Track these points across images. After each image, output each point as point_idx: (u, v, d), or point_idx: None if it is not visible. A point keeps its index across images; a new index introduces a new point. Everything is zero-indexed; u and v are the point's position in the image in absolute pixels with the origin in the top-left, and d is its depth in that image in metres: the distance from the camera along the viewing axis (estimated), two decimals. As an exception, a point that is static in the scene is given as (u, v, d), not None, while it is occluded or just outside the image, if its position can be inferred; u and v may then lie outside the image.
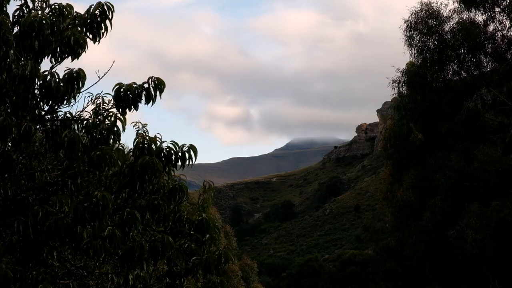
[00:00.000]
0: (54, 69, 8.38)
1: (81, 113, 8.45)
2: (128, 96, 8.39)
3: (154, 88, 8.53)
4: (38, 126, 8.43)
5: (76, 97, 8.31)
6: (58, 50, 8.42)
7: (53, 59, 8.50)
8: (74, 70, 8.09)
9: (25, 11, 8.60)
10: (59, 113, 8.53)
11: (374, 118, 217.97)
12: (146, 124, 8.90)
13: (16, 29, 8.32)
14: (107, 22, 8.64)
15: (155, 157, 8.47)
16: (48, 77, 7.97)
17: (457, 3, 37.10)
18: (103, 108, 8.48)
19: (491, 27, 37.02)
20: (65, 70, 8.11)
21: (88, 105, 8.53)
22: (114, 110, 8.45)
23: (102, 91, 8.51)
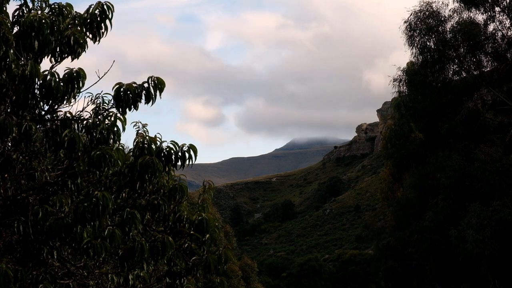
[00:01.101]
0: (54, 69, 8.37)
1: (81, 113, 8.44)
2: (128, 96, 8.38)
3: (154, 87, 8.52)
4: (38, 126, 8.42)
5: (76, 97, 8.30)
6: (58, 50, 8.41)
7: (53, 58, 8.49)
8: (74, 69, 8.08)
9: (25, 11, 8.59)
10: (59, 113, 8.53)
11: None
12: (146, 124, 8.90)
13: (16, 29, 8.31)
14: (107, 21, 8.63)
15: (155, 157, 8.47)
16: (48, 76, 7.96)
17: (457, 2, 37.15)
18: (103, 108, 8.48)
19: (491, 27, 37.07)
20: (65, 70, 8.10)
21: (88, 105, 8.53)
22: (114, 110, 8.45)
23: (102, 91, 8.51)
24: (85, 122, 8.27)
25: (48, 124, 8.33)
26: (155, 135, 8.74)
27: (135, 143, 8.71)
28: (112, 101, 8.46)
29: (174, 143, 8.80)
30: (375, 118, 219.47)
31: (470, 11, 36.89)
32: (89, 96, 8.53)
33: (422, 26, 37.20)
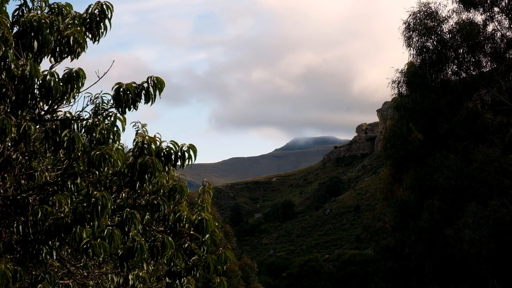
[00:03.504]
0: (53, 69, 8.37)
1: (81, 113, 8.45)
2: (128, 96, 8.38)
3: (154, 87, 8.52)
4: (37, 126, 8.42)
5: (76, 97, 8.30)
6: (57, 50, 8.41)
7: (52, 58, 8.49)
8: (73, 69, 8.08)
9: (25, 11, 8.60)
10: (58, 113, 8.53)
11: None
12: (146, 124, 8.90)
13: (15, 29, 8.32)
14: (106, 21, 8.63)
15: (154, 157, 8.47)
16: (48, 76, 7.96)
17: (456, 3, 37.11)
18: (103, 108, 8.47)
19: (490, 27, 37.04)
20: (64, 70, 8.10)
21: (87, 105, 8.52)
22: (113, 110, 8.45)
23: (101, 91, 8.51)
24: (84, 122, 8.27)
25: (48, 124, 8.33)
26: (155, 135, 8.75)
27: (134, 143, 8.71)
28: (111, 101, 8.47)
29: (173, 143, 8.80)
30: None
31: (469, 12, 36.88)
32: (88, 96, 8.54)
33: (421, 26, 37.18)
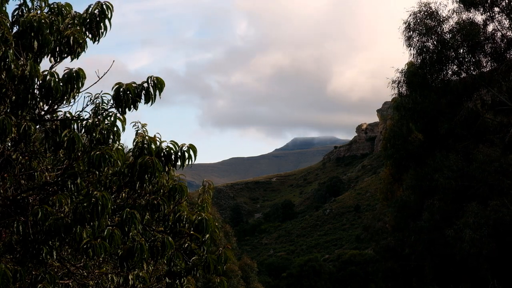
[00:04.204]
0: (53, 69, 8.37)
1: (81, 113, 8.44)
2: (128, 96, 8.37)
3: (154, 87, 8.51)
4: (37, 126, 8.42)
5: (76, 97, 8.30)
6: (57, 50, 8.41)
7: (52, 58, 8.48)
8: (73, 69, 8.08)
9: (24, 11, 8.59)
10: (58, 113, 8.53)
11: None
12: (146, 124, 8.89)
13: (15, 29, 8.31)
14: (106, 21, 8.62)
15: (154, 157, 8.46)
16: (48, 76, 7.95)
17: (456, 3, 37.09)
18: (103, 108, 8.47)
19: (490, 27, 37.03)
20: (64, 70, 8.10)
21: (87, 105, 8.52)
22: (113, 110, 8.44)
23: (101, 91, 8.50)
24: (84, 122, 8.26)
25: (48, 124, 8.32)
26: (155, 135, 8.74)
27: (134, 143, 8.70)
28: (111, 101, 8.46)
29: (173, 143, 8.80)
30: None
31: (469, 12, 36.87)
32: (88, 96, 8.53)
33: (421, 26, 37.18)
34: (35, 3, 8.59)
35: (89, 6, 8.58)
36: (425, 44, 37.34)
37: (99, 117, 8.31)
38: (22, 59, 8.05)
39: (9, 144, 8.30)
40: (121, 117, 8.39)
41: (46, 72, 8.00)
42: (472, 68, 37.30)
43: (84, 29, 8.57)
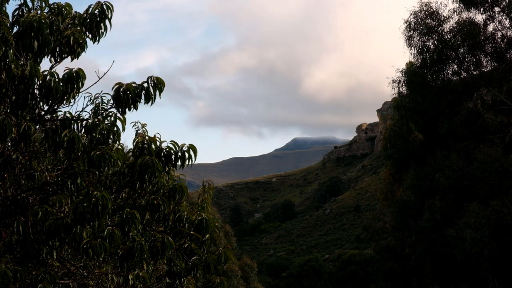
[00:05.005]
0: (53, 69, 8.37)
1: (81, 113, 8.44)
2: (128, 96, 8.37)
3: (154, 87, 8.51)
4: (37, 126, 8.41)
5: (76, 97, 8.29)
6: (57, 50, 8.41)
7: (52, 58, 8.48)
8: (73, 70, 8.08)
9: (25, 11, 8.59)
10: (58, 113, 8.53)
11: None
12: (146, 124, 8.89)
13: (15, 29, 8.31)
14: (106, 21, 8.62)
15: (154, 157, 8.46)
16: (48, 77, 7.95)
17: (457, 3, 37.09)
18: (103, 108, 8.47)
19: (490, 27, 37.02)
20: (64, 70, 8.10)
21: (87, 105, 8.52)
22: (113, 110, 8.44)
23: (102, 91, 8.50)
24: (84, 122, 8.26)
25: (48, 124, 8.32)
26: (155, 135, 8.74)
27: (134, 143, 8.70)
28: (111, 101, 8.46)
29: (173, 143, 8.79)
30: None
31: (470, 11, 36.87)
32: (88, 96, 8.53)
33: (422, 26, 37.17)
34: (35, 3, 8.59)
35: (89, 6, 8.58)
36: (425, 43, 37.34)
37: (99, 117, 8.31)
38: (22, 59, 8.05)
39: (9, 144, 8.30)
40: (121, 117, 8.39)
41: (46, 72, 8.00)
42: (472, 68, 37.29)
43: (84, 29, 8.57)
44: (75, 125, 8.29)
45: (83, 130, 8.22)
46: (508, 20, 36.47)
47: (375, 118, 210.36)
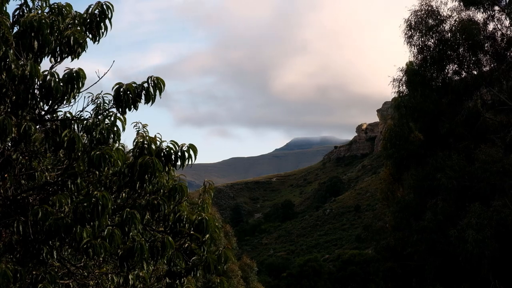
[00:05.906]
0: (54, 69, 8.37)
1: (81, 113, 8.45)
2: (128, 96, 8.37)
3: (154, 87, 8.52)
4: (37, 126, 8.42)
5: (76, 97, 8.30)
6: (57, 50, 8.41)
7: (52, 58, 8.48)
8: (74, 70, 8.08)
9: (25, 11, 8.59)
10: (59, 113, 8.53)
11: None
12: (146, 124, 8.90)
13: (15, 29, 8.31)
14: (107, 21, 8.62)
15: (155, 157, 8.46)
16: (48, 77, 7.95)
17: (457, 1, 37.06)
18: (103, 108, 8.47)
19: (490, 26, 36.98)
20: (64, 70, 8.10)
21: (88, 105, 8.52)
22: (114, 110, 8.44)
23: (102, 91, 8.50)
24: (85, 122, 8.27)
25: (48, 124, 8.32)
26: (155, 135, 8.75)
27: (134, 143, 8.70)
28: (112, 101, 8.46)
29: (174, 143, 8.80)
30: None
31: (470, 10, 36.84)
32: (89, 96, 8.53)
33: (422, 25, 37.14)
34: (35, 3, 8.59)
35: (90, 6, 8.58)
36: (426, 43, 37.29)
37: (99, 117, 8.32)
38: (22, 59, 8.04)
39: (9, 144, 8.30)
40: (121, 117, 8.40)
41: (46, 72, 8.00)
42: (472, 67, 37.25)
43: (84, 29, 8.57)
44: (75, 125, 8.29)
45: (83, 130, 8.22)
46: (508, 20, 36.45)
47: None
